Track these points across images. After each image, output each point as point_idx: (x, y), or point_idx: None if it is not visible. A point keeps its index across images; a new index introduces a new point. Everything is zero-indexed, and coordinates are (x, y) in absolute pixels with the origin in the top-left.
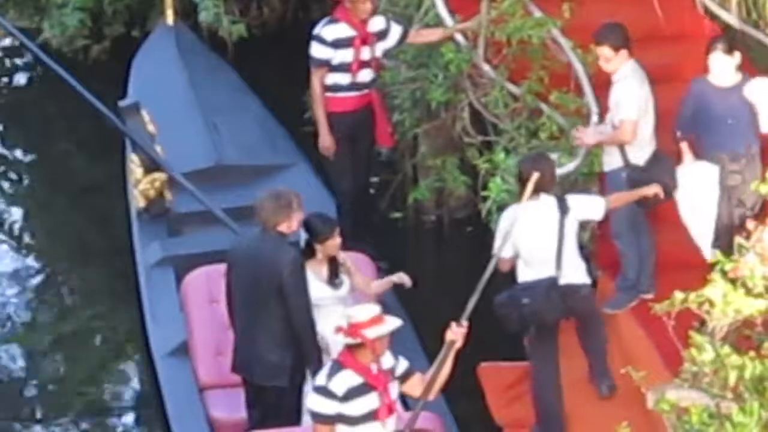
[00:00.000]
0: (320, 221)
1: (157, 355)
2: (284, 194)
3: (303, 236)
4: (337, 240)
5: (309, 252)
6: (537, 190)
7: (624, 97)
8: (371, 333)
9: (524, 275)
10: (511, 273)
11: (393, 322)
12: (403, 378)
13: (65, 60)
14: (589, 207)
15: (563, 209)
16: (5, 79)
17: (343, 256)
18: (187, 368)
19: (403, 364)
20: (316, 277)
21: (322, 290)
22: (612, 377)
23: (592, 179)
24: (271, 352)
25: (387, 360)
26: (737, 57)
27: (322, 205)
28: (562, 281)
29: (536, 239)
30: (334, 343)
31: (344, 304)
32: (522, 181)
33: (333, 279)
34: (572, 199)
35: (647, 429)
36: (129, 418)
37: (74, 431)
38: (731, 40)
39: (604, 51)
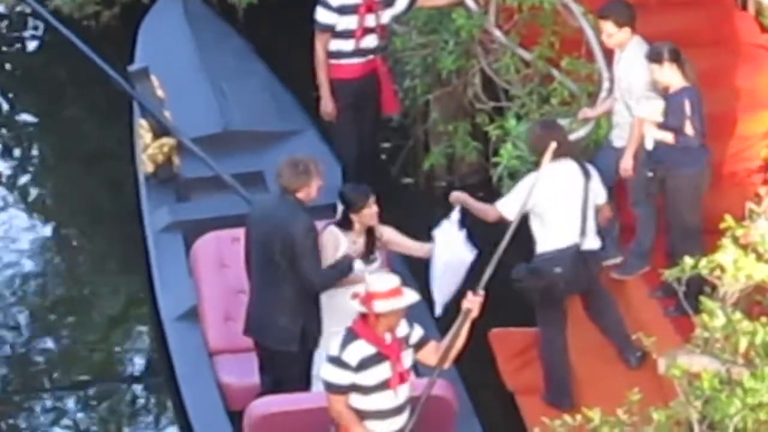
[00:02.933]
0: (353, 191)
1: (166, 320)
2: (302, 161)
3: (340, 208)
4: (373, 208)
5: (347, 223)
6: (556, 157)
7: (636, 78)
8: (381, 306)
9: (545, 245)
10: (527, 237)
11: (409, 297)
12: (418, 346)
13: (76, 26)
14: (600, 189)
15: (587, 175)
16: (17, 45)
17: (381, 230)
18: (196, 333)
19: (417, 332)
20: (352, 250)
21: (355, 264)
22: (639, 348)
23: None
24: (282, 316)
25: (401, 328)
26: (666, 67)
27: (329, 171)
28: (584, 247)
29: (562, 205)
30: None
31: None
32: (536, 150)
33: (368, 254)
34: (592, 169)
35: (658, 394)
36: (138, 383)
37: (83, 396)
38: (659, 48)
39: (607, 26)
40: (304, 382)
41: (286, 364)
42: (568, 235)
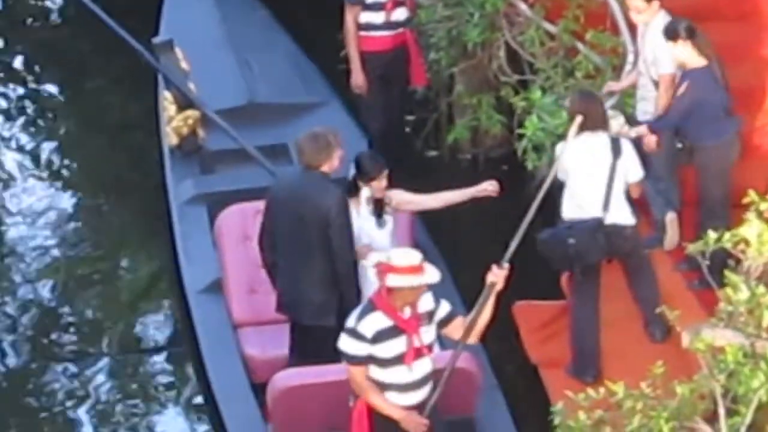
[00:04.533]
0: (370, 161)
1: (190, 292)
2: (321, 134)
3: (352, 172)
4: (383, 183)
5: (354, 189)
6: (589, 128)
7: (660, 52)
8: (393, 281)
9: (570, 212)
10: (554, 210)
11: (428, 276)
12: (445, 322)
13: None
14: (633, 167)
15: (616, 152)
16: (41, 18)
17: (389, 196)
18: (220, 306)
19: (444, 308)
20: (358, 216)
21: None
22: (665, 323)
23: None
24: (317, 292)
25: (425, 303)
26: (680, 44)
27: (354, 143)
28: (608, 221)
29: (587, 178)
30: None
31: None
32: (571, 118)
33: (377, 218)
34: (626, 146)
35: (682, 368)
36: (162, 356)
37: (107, 368)
38: (675, 25)
39: (637, 2)
40: (335, 354)
41: (322, 338)
42: (590, 207)
